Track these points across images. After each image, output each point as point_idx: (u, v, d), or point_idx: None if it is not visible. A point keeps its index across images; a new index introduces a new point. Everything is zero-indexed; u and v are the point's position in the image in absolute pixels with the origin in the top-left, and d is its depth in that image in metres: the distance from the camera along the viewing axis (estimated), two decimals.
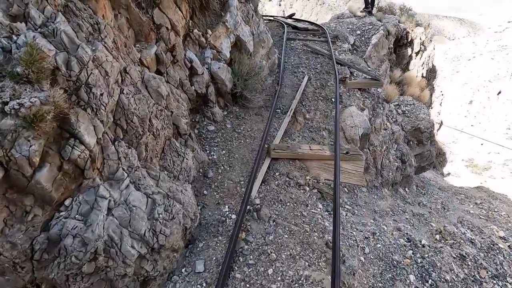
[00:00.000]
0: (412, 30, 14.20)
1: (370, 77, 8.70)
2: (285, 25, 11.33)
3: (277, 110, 6.59)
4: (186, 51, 5.03)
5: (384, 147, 8.44)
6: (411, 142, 11.09)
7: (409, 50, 14.35)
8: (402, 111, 11.01)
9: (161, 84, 3.87)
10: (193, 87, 5.09)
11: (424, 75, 15.22)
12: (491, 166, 22.76)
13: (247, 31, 6.34)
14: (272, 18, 12.60)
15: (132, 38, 4.07)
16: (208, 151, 5.11)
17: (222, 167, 4.91)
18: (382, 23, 12.43)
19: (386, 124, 9.18)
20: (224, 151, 5.21)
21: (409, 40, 13.98)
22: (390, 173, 8.34)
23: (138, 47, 4.08)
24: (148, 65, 4.07)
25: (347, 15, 14.18)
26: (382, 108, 9.33)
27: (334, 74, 8.01)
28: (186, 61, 4.97)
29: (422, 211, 6.92)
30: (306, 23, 12.35)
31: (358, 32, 11.98)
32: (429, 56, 15.61)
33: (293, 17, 13.37)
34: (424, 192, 9.48)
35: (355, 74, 8.86)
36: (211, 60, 5.53)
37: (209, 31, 5.57)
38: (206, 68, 5.38)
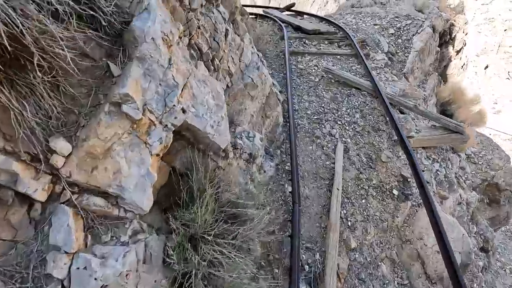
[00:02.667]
0: (455, 21, 10.26)
1: (441, 125, 4.88)
2: (284, 26, 7.24)
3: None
4: None
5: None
6: (473, 193, 7.37)
7: (451, 48, 10.47)
8: (466, 154, 7.30)
9: None
10: None
11: (464, 81, 11.42)
12: None
13: (208, 94, 2.31)
14: (262, 13, 8.43)
15: None
16: None
17: None
18: (425, 15, 8.43)
19: (459, 192, 5.45)
20: None
21: (453, 36, 10.08)
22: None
23: None
24: None
25: (365, 2, 10.09)
26: (450, 166, 5.59)
27: (394, 130, 4.18)
28: None
29: None
30: (313, 19, 8.25)
31: (391, 30, 7.99)
32: (466, 56, 11.77)
33: (292, 8, 9.21)
34: None
35: (412, 119, 5.02)
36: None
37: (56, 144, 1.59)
38: None
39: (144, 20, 1.66)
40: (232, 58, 3.33)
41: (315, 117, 4.40)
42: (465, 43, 11.09)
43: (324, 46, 6.64)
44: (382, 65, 6.68)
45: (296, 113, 4.45)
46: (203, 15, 2.89)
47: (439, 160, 5.17)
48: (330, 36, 6.94)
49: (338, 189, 3.43)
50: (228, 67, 3.24)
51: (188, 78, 1.94)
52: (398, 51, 7.69)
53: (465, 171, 6.13)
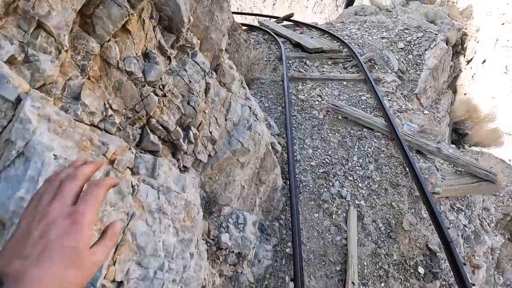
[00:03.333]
0: (466, 29, 9.48)
1: (468, 171, 4.13)
2: (281, 43, 6.44)
3: None
4: None
5: None
6: (497, 237, 6.66)
7: (462, 58, 9.71)
8: None
9: None
10: None
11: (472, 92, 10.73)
12: None
13: (166, 230, 1.56)
14: (257, 24, 7.60)
15: None
16: None
17: None
18: (437, 26, 7.64)
19: (486, 244, 4.73)
20: None
21: (464, 46, 9.31)
22: None
23: None
24: None
25: (369, 9, 9.29)
26: (473, 208, 4.86)
27: (415, 185, 3.44)
28: None
29: None
30: (314, 32, 7.44)
31: (401, 44, 7.20)
32: (476, 65, 11.04)
33: (292, 18, 8.38)
34: None
35: (432, 159, 4.27)
36: None
37: None
38: None
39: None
40: (216, 119, 2.56)
41: (321, 171, 3.63)
42: (476, 52, 10.33)
43: (327, 68, 5.85)
44: (393, 89, 5.91)
45: (298, 164, 3.68)
46: (172, 74, 2.11)
47: (464, 208, 4.44)
48: (334, 55, 6.14)
49: (353, 284, 2.68)
50: (210, 132, 2.46)
51: (124, 231, 1.17)
52: (409, 68, 6.92)
53: (489, 213, 5.39)
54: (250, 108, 2.85)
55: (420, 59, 7.01)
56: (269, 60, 6.06)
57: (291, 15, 8.38)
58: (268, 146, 3.01)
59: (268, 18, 8.39)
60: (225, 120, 2.67)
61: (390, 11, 9.51)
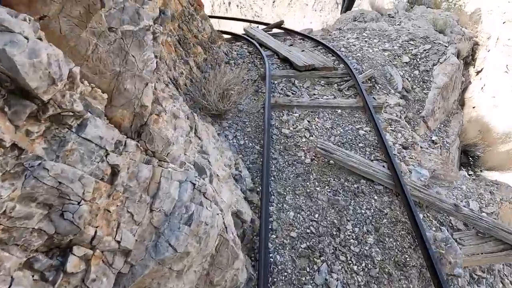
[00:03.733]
0: (477, 37, 8.56)
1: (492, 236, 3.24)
2: (266, 58, 5.53)
3: None
4: None
5: None
6: None
7: (472, 69, 8.80)
8: None
9: None
10: None
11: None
12: None
13: None
14: (241, 32, 6.65)
15: None
16: None
17: None
18: (447, 37, 6.71)
19: None
20: None
21: (475, 56, 8.39)
22: None
23: None
24: None
25: (369, 15, 8.36)
26: (495, 271, 3.98)
27: (426, 262, 2.56)
28: None
29: None
30: (307, 43, 6.50)
31: (406, 58, 6.29)
32: (486, 76, 10.10)
33: (283, 26, 7.44)
34: None
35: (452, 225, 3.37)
36: None
37: None
38: None
39: None
40: (132, 215, 1.66)
41: (304, 246, 2.73)
42: (486, 61, 9.41)
43: (319, 89, 4.93)
44: (397, 114, 5.01)
45: (274, 236, 2.78)
46: (24, 173, 1.21)
47: (485, 275, 3.56)
48: (327, 73, 5.22)
49: None
50: (118, 241, 1.57)
51: None
52: (414, 86, 6.02)
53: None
54: (194, 185, 1.95)
55: (428, 76, 6.10)
56: (251, 80, 5.14)
57: (281, 22, 7.43)
58: (223, 234, 2.10)
59: (256, 26, 7.44)
60: (150, 211, 1.77)
61: (392, 17, 8.58)
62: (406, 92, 5.88)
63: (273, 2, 33.86)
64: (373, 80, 5.47)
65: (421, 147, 4.23)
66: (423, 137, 5.67)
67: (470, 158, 7.52)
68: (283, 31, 7.39)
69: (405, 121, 5.52)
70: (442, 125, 6.39)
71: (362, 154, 3.69)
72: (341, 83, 5.12)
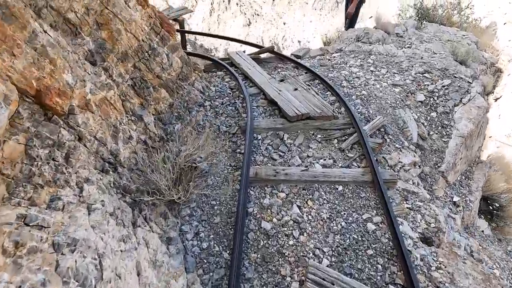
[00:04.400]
0: (497, 61, 7.47)
1: None
2: (249, 100, 4.44)
3: None
4: None
5: None
6: None
7: (491, 98, 7.72)
8: None
9: None
10: None
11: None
12: None
13: None
14: (222, 56, 5.52)
15: None
16: None
17: None
18: (470, 69, 5.62)
19: None
20: None
21: (497, 85, 7.31)
22: None
23: None
24: None
25: (375, 35, 7.26)
26: None
27: None
28: None
29: None
30: (300, 77, 5.37)
31: (420, 96, 5.20)
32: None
33: (274, 50, 6.32)
34: None
35: None
36: None
37: None
38: None
39: None
40: None
41: None
42: (506, 87, 8.35)
43: (315, 148, 3.83)
44: (413, 181, 3.92)
45: None
46: None
47: None
48: (325, 123, 4.13)
49: None
50: None
51: None
52: (431, 131, 4.94)
53: None
54: None
55: (448, 119, 5.01)
56: (228, 134, 4.05)
57: (272, 48, 6.30)
58: None
59: (243, 51, 6.32)
60: None
61: (401, 36, 7.49)
62: (421, 139, 4.81)
63: (273, 0, 32.66)
64: (382, 131, 4.39)
65: (448, 243, 3.14)
66: (443, 200, 4.60)
67: (491, 206, 6.47)
68: (273, 55, 6.29)
69: (420, 178, 4.45)
70: (463, 177, 5.32)
71: (373, 270, 2.61)
72: (343, 138, 4.03)
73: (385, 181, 3.34)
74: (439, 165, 4.74)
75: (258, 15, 31.62)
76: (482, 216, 6.26)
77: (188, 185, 2.90)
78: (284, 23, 31.81)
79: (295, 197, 3.18)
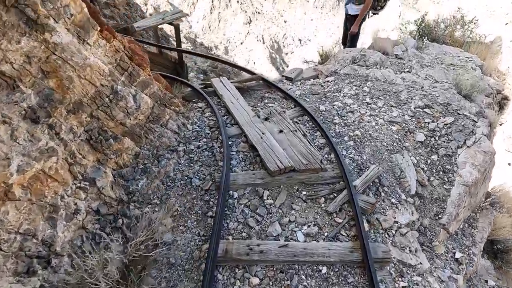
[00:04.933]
0: (504, 90, 6.97)
1: None
2: (227, 145, 3.94)
3: None
4: None
5: None
6: None
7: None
8: None
9: None
10: None
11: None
12: None
13: None
14: (213, 82, 5.02)
15: None
16: None
17: None
18: (476, 104, 5.13)
19: None
20: None
21: (502, 112, 6.82)
22: None
23: None
24: None
25: (372, 58, 6.76)
26: None
27: None
28: None
29: None
30: (289, 111, 4.87)
31: (420, 135, 4.71)
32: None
33: (263, 77, 5.82)
34: None
35: None
36: None
37: None
38: None
39: None
40: None
41: None
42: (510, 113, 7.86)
43: (298, 211, 3.34)
44: (411, 248, 3.44)
45: None
46: None
47: None
48: (312, 177, 3.64)
49: None
50: None
51: None
52: (431, 177, 4.46)
53: None
54: None
55: (450, 163, 4.52)
56: (201, 189, 3.56)
57: (260, 77, 5.81)
58: None
59: (229, 80, 5.81)
60: None
61: (400, 58, 6.99)
62: (421, 186, 4.32)
63: None
64: (377, 182, 3.89)
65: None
66: (443, 259, 4.12)
67: (496, 248, 5.99)
68: (262, 81, 5.78)
69: (419, 232, 3.98)
70: (466, 225, 4.83)
71: None
72: (331, 195, 3.53)
73: (377, 261, 2.85)
74: (440, 216, 4.25)
75: (258, 13, 31.03)
76: (485, 256, 5.79)
77: (139, 276, 2.41)
78: (285, 21, 31.18)
79: (271, 283, 2.69)
